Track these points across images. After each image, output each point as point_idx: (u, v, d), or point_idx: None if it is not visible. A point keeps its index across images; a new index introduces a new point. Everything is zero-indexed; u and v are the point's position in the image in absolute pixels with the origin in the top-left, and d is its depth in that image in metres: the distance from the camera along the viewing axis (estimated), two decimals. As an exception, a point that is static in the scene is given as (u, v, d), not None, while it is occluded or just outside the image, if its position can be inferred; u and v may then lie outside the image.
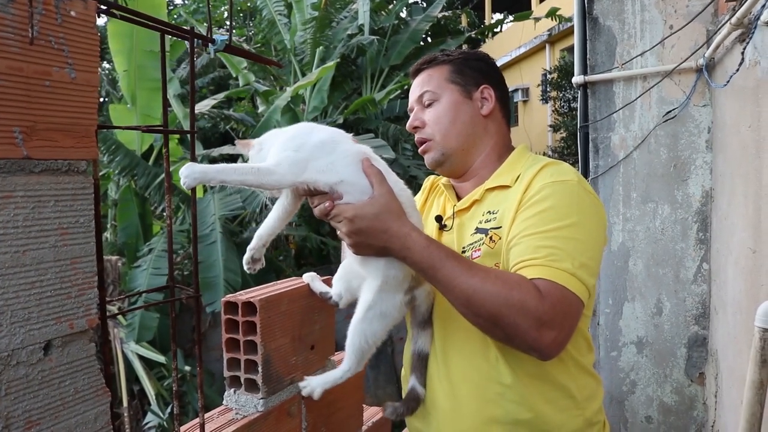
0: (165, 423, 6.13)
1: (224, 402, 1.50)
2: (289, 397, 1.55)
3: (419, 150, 1.53)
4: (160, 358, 7.04)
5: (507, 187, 1.40)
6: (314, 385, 1.41)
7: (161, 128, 1.21)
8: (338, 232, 1.30)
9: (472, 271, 1.21)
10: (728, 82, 2.40)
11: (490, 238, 1.35)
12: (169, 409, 6.32)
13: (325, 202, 1.25)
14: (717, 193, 2.94)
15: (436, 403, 1.42)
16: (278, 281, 1.62)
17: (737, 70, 2.25)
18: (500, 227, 1.34)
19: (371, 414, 2.00)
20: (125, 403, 7.01)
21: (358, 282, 1.44)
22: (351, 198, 1.25)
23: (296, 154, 1.24)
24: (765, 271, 1.92)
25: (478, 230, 1.39)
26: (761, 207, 1.98)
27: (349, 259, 1.43)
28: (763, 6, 1.84)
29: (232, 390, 1.48)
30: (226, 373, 1.49)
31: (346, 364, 1.38)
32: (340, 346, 2.16)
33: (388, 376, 5.67)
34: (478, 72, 1.52)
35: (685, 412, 3.17)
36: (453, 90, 1.49)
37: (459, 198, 1.54)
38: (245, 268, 1.41)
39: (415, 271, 1.28)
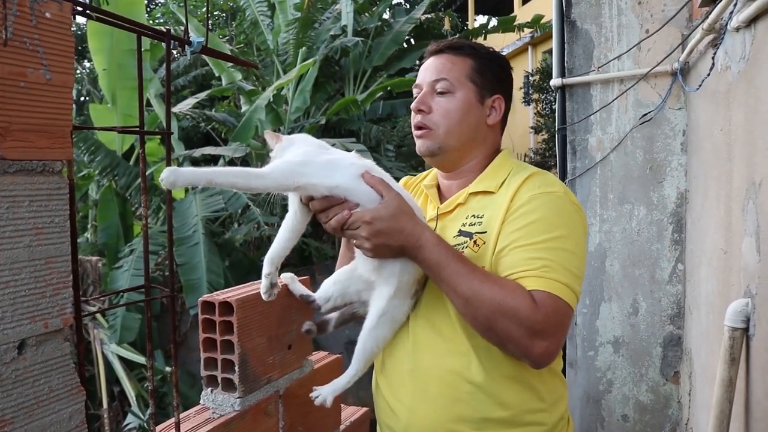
0: (145, 424, 6.10)
1: (201, 401, 1.50)
2: (266, 396, 1.56)
3: (415, 132, 1.50)
4: (141, 359, 7.00)
5: (491, 192, 1.43)
6: (325, 393, 1.41)
7: (137, 129, 1.22)
8: (355, 241, 1.32)
9: (473, 274, 1.25)
10: (700, 85, 2.44)
11: (474, 242, 1.37)
12: (149, 410, 6.27)
13: (342, 211, 1.27)
14: (691, 194, 2.99)
15: (406, 401, 1.44)
16: (256, 281, 1.63)
17: (708, 74, 2.30)
18: (485, 232, 1.37)
19: (350, 413, 2.01)
20: (105, 405, 6.96)
21: (356, 288, 1.46)
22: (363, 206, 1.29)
23: (296, 167, 1.26)
24: (735, 272, 1.96)
25: (461, 233, 1.41)
26: (732, 208, 2.02)
27: (359, 266, 1.43)
28: (732, 12, 1.88)
29: (209, 389, 1.49)
30: (204, 373, 1.49)
31: (353, 369, 1.40)
32: (318, 346, 2.18)
33: (370, 376, 5.68)
34: (497, 78, 1.51)
35: (660, 410, 3.22)
36: (470, 89, 1.46)
37: (442, 198, 1.56)
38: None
39: (423, 268, 1.32)
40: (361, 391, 2.27)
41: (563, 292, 1.25)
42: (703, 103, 2.64)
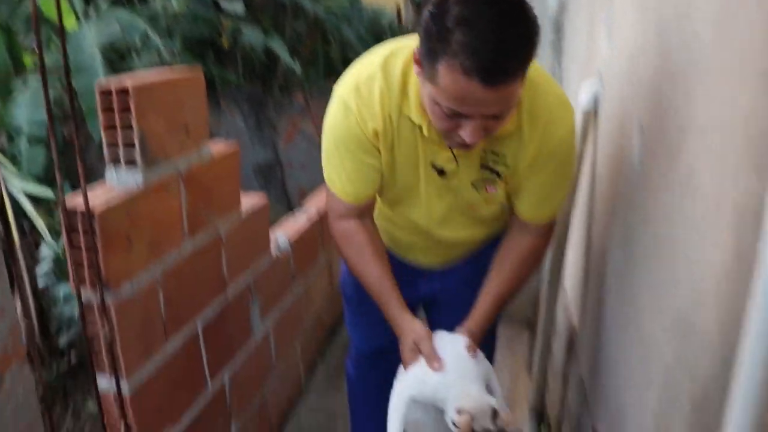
0: (60, 253, 6.19)
1: (106, 180, 1.61)
2: (168, 174, 1.69)
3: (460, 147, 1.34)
4: (49, 194, 6.93)
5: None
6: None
7: None
8: None
9: (507, 292, 1.58)
10: None
11: (505, 181, 1.48)
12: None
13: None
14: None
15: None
16: (151, 72, 1.71)
17: None
18: (510, 167, 1.45)
19: (250, 201, 2.19)
20: (17, 240, 6.94)
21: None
22: None
23: None
24: (594, 61, 2.17)
25: (485, 167, 1.45)
26: (594, 6, 2.20)
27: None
28: None
29: (112, 165, 1.60)
30: (106, 153, 1.60)
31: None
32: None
33: (279, 197, 5.94)
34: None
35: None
36: (520, 87, 1.23)
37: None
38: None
39: None
40: (270, 211, 2.39)
41: None
42: None
